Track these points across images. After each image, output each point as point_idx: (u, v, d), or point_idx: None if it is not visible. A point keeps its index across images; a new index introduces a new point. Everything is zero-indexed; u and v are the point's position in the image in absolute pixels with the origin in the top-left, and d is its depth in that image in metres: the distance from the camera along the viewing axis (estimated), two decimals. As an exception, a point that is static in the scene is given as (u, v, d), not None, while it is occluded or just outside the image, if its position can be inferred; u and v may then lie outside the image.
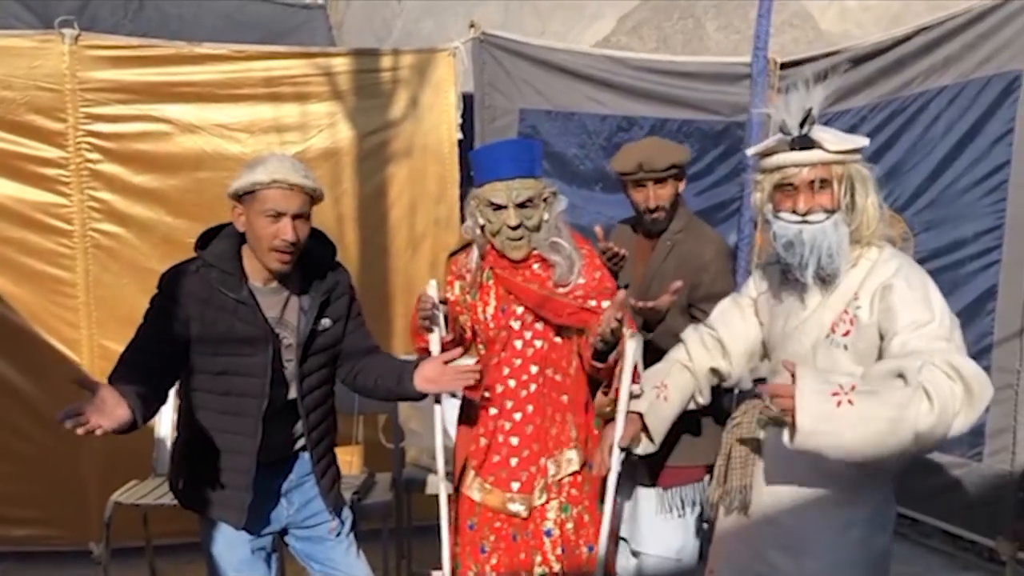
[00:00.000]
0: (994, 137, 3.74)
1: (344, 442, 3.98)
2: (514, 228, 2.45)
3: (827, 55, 4.46)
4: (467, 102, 4.36)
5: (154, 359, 2.24)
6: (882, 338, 2.06)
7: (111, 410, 1.96)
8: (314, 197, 2.35)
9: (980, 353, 3.76)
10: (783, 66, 4.62)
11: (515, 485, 2.52)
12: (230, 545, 2.41)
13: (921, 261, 3.96)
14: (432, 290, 2.43)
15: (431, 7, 7.66)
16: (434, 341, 2.46)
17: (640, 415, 2.41)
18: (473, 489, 2.57)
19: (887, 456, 1.92)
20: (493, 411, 2.55)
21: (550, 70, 4.47)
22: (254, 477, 2.34)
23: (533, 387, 2.54)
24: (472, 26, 4.36)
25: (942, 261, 3.93)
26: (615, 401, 2.42)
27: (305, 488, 2.52)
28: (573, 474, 2.54)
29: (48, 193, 3.90)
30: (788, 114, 2.09)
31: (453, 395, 2.74)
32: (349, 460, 3.97)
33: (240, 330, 2.30)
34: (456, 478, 2.63)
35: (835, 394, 1.87)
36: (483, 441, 2.55)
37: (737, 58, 4.80)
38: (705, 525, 2.91)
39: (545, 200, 2.50)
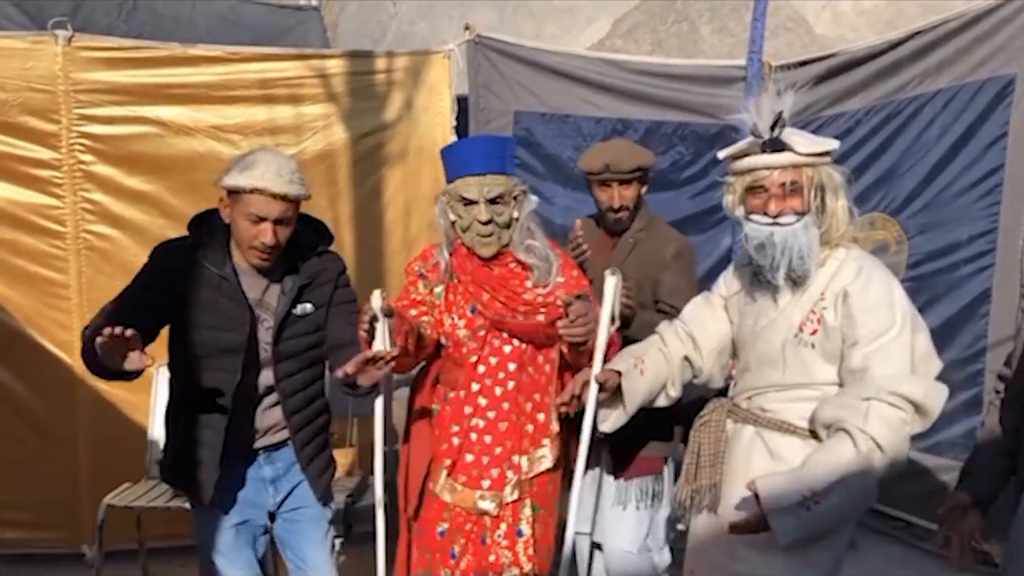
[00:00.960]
0: (988, 141, 3.76)
1: (339, 444, 3.98)
2: (484, 224, 2.44)
3: (822, 58, 4.48)
4: (462, 104, 4.36)
5: (131, 323, 2.28)
6: (844, 342, 2.10)
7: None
8: (300, 200, 2.37)
9: (974, 356, 3.78)
10: (777, 69, 4.62)
11: (485, 483, 2.50)
12: (216, 531, 2.48)
13: (915, 264, 4.02)
14: (376, 301, 2.28)
15: (425, 9, 7.66)
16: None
17: (619, 373, 2.37)
18: (444, 490, 2.55)
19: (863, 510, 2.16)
20: (468, 409, 2.53)
21: (545, 72, 4.47)
22: (223, 456, 2.38)
23: (511, 384, 2.52)
24: (467, 28, 4.37)
25: (936, 264, 3.95)
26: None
27: (292, 476, 2.53)
28: (541, 473, 2.55)
29: (41, 195, 3.89)
30: (759, 117, 2.12)
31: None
32: (343, 463, 3.96)
33: (221, 305, 2.35)
34: (420, 480, 2.58)
35: (802, 504, 1.97)
36: (456, 441, 2.53)
37: (732, 61, 4.82)
38: (680, 526, 2.90)
39: (516, 198, 2.50)
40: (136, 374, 2.18)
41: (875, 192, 4.17)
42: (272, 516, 2.57)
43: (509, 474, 2.50)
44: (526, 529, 2.52)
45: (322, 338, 2.51)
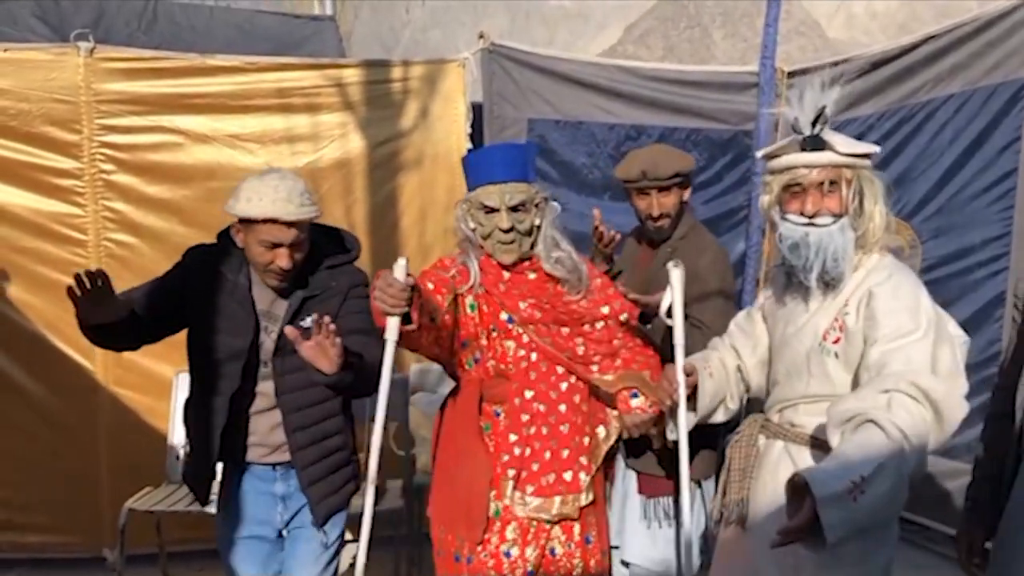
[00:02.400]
0: (1001, 145, 3.76)
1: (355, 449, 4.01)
2: (506, 231, 2.42)
3: (835, 63, 4.49)
4: (476, 112, 4.40)
5: (144, 307, 2.35)
6: (865, 343, 2.04)
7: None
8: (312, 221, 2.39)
9: (988, 360, 3.77)
10: (790, 75, 4.64)
11: (562, 487, 2.45)
12: (228, 539, 2.52)
13: (929, 268, 4.02)
14: (399, 271, 2.15)
15: (439, 16, 7.71)
16: (391, 328, 2.19)
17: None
18: (515, 504, 2.46)
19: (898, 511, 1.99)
20: (525, 417, 2.47)
21: (558, 80, 4.50)
22: (225, 463, 2.48)
23: (564, 385, 2.49)
24: (481, 37, 4.40)
25: (950, 268, 3.95)
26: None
27: (302, 496, 2.51)
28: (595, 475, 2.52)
29: (63, 203, 3.95)
30: (801, 112, 2.07)
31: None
32: (360, 467, 3.99)
33: (230, 310, 2.40)
34: (485, 504, 2.46)
35: (850, 493, 1.81)
36: (518, 451, 2.46)
37: (744, 67, 4.84)
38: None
39: (537, 205, 2.48)
40: (119, 328, 2.26)
41: (888, 196, 4.18)
42: (282, 533, 2.56)
43: (582, 475, 2.46)
44: (593, 536, 2.50)
45: None
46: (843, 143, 2.07)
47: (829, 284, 2.11)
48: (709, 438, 2.78)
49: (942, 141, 4.00)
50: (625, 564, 2.90)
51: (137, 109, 3.99)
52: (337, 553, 2.61)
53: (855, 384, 2.07)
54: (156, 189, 4.05)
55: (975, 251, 3.86)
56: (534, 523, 2.44)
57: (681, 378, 2.29)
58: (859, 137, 4.19)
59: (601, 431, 2.56)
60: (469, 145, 4.33)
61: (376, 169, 4.31)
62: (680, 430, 2.34)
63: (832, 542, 1.83)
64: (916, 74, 4.12)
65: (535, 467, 2.45)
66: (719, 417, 2.40)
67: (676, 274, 2.31)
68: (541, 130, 4.50)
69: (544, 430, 2.47)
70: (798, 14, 6.33)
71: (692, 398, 2.35)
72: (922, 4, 5.73)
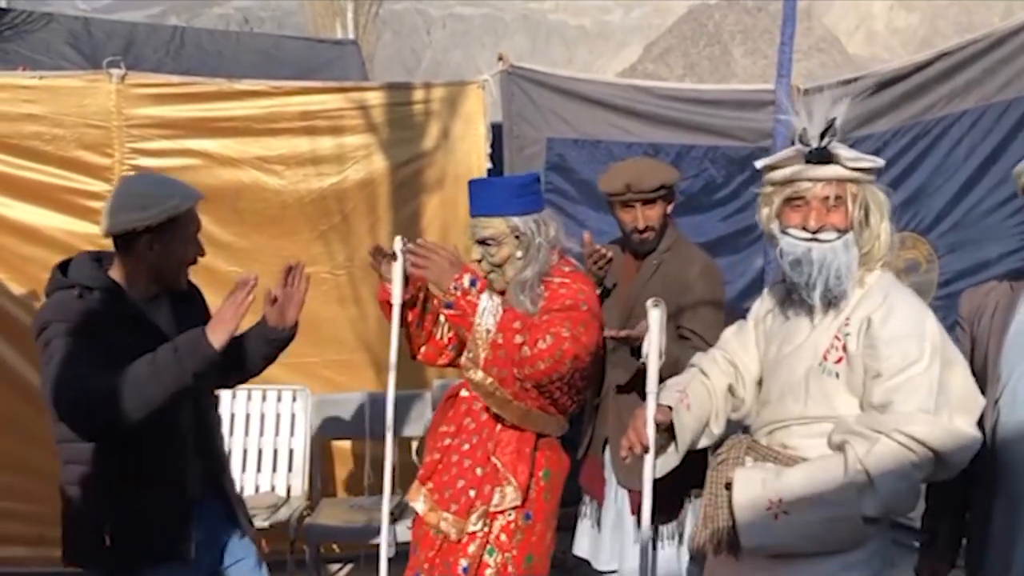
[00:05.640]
0: (1016, 159, 3.73)
1: (378, 464, 4.06)
2: (476, 261, 2.50)
3: (850, 80, 4.52)
4: (496, 132, 4.47)
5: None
6: (866, 372, 1.98)
7: None
8: None
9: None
10: (806, 92, 4.68)
11: (453, 507, 2.45)
12: None
13: (946, 283, 4.04)
14: (398, 244, 2.55)
15: (459, 38, 7.83)
16: (396, 285, 2.56)
17: (669, 408, 2.19)
18: (419, 501, 2.54)
19: (842, 543, 1.95)
20: (450, 427, 2.54)
21: (576, 100, 4.57)
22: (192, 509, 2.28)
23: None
24: (500, 59, 4.49)
25: (967, 282, 3.94)
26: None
27: (222, 531, 2.43)
28: (507, 521, 2.45)
29: (95, 225, 3.98)
30: (810, 123, 1.99)
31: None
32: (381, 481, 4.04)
33: (140, 346, 2.13)
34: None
35: (769, 508, 1.84)
36: (437, 455, 2.53)
37: (761, 85, 4.89)
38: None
39: (518, 238, 2.44)
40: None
41: (905, 211, 4.19)
42: None
43: (478, 503, 2.42)
44: (471, 568, 2.40)
45: None
46: (850, 157, 2.00)
47: (831, 303, 2.04)
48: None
49: (957, 156, 4.02)
50: None
51: (166, 133, 4.09)
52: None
53: (859, 409, 2.01)
54: (184, 211, 4.14)
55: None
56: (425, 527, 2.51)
57: (651, 428, 2.16)
58: (875, 154, 4.24)
59: (512, 492, 2.44)
60: (489, 165, 4.40)
61: (399, 189, 4.38)
62: (646, 476, 2.20)
63: (746, 546, 1.92)
64: (930, 90, 4.15)
65: (445, 477, 2.50)
66: (703, 443, 2.29)
67: (654, 315, 2.18)
68: (560, 149, 4.57)
69: (464, 446, 2.50)
70: (819, 31, 6.40)
71: (669, 430, 2.23)
72: (943, 20, 5.77)
